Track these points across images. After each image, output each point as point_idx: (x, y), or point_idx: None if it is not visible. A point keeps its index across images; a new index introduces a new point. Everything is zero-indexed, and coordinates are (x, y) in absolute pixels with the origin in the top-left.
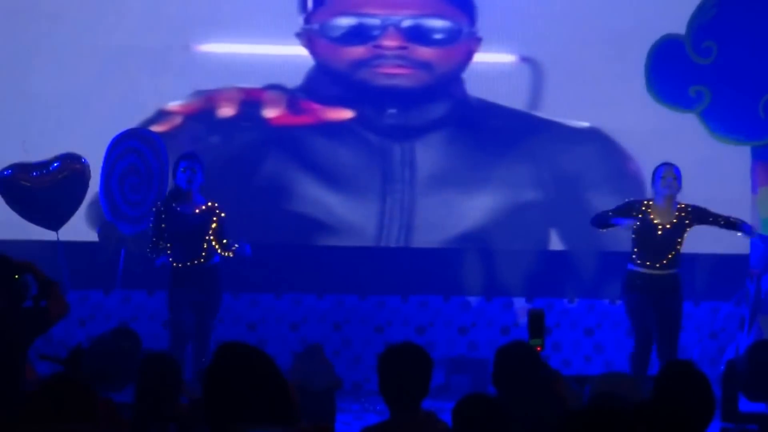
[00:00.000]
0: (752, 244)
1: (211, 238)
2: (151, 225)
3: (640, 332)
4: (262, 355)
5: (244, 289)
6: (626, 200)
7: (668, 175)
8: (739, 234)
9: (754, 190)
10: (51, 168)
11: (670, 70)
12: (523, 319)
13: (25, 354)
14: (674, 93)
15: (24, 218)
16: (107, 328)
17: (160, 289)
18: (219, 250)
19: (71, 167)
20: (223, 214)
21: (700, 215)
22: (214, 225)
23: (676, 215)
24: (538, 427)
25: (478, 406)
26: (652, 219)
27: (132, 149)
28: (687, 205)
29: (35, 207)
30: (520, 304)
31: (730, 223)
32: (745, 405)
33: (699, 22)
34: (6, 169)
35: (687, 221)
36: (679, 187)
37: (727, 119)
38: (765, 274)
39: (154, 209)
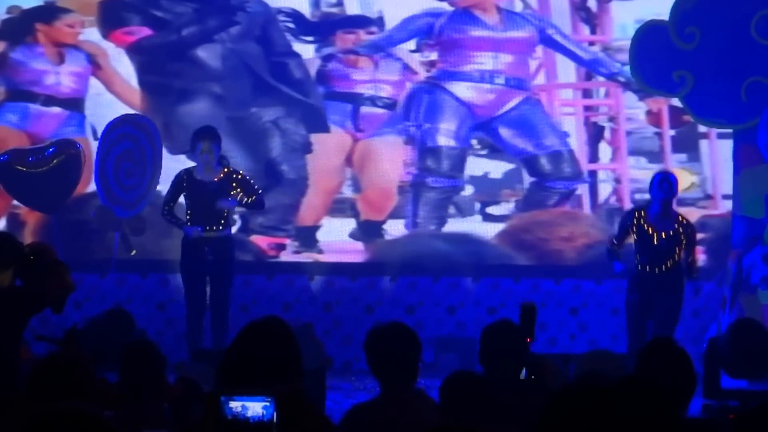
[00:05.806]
0: (734, 225)
1: (246, 199)
2: (169, 189)
3: (635, 334)
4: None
5: (237, 270)
6: (621, 219)
7: (664, 181)
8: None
9: (736, 171)
10: (46, 153)
11: (654, 55)
12: None
13: (20, 333)
14: (658, 77)
15: (20, 202)
16: (102, 309)
17: (153, 272)
18: (254, 200)
19: (66, 152)
20: (241, 173)
21: (690, 237)
22: (238, 188)
23: (676, 225)
24: (524, 404)
25: (465, 383)
26: (647, 229)
27: (127, 135)
28: (687, 221)
29: (31, 191)
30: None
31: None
32: (727, 382)
33: (682, 8)
34: (2, 154)
35: (683, 236)
36: (674, 193)
37: (710, 103)
38: (746, 254)
39: (176, 175)
